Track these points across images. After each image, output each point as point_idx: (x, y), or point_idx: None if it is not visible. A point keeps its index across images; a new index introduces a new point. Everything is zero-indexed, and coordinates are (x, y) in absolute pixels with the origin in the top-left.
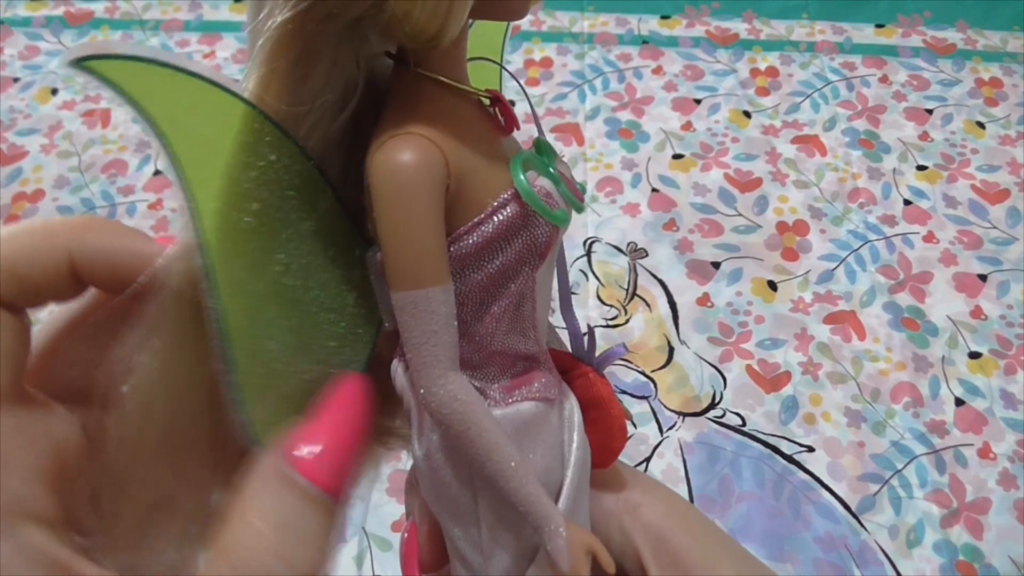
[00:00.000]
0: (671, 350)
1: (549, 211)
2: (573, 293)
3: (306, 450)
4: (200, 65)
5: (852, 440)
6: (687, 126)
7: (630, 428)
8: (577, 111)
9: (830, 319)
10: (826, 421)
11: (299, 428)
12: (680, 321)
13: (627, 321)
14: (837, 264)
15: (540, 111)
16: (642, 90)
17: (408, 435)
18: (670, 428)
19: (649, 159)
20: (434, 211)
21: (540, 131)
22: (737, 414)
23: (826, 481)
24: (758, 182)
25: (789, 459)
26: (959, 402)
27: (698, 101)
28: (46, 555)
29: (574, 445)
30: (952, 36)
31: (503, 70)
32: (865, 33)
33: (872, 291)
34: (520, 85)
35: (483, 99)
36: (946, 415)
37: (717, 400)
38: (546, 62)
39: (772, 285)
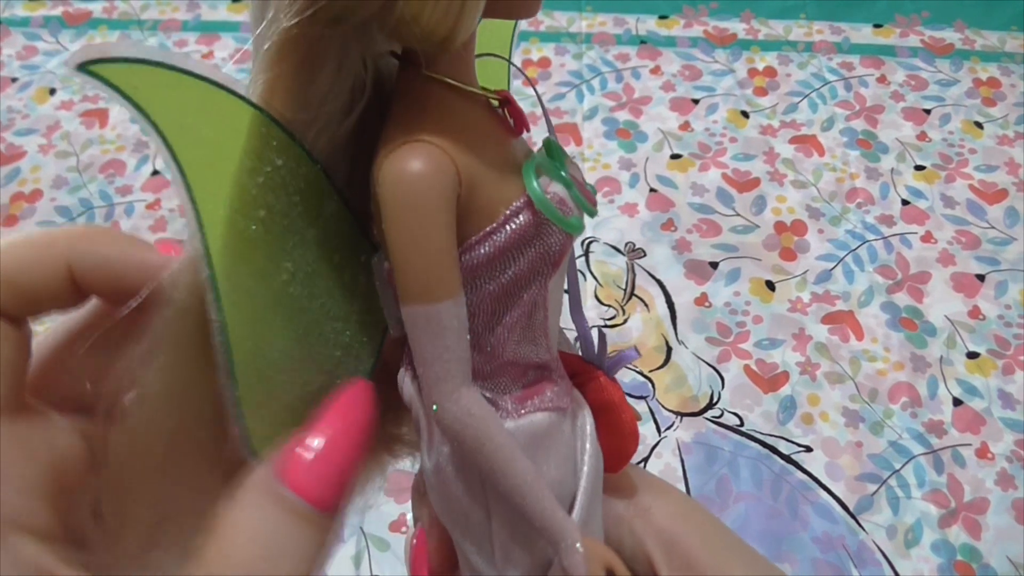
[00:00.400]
0: (669, 350)
1: (563, 219)
2: None
3: (298, 462)
4: (206, 67)
5: (850, 440)
6: (685, 126)
7: None
8: (575, 111)
9: (828, 319)
10: (824, 421)
11: (294, 438)
12: (678, 321)
13: (625, 321)
14: (835, 264)
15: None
16: (640, 90)
17: (414, 442)
18: (668, 428)
19: (647, 159)
20: (445, 222)
21: (551, 131)
22: (735, 414)
23: (824, 481)
24: (756, 182)
25: (787, 459)
26: (957, 402)
27: (696, 101)
28: (40, 570)
29: (587, 455)
30: (950, 36)
31: (511, 67)
32: (863, 33)
33: (870, 291)
34: (531, 84)
35: (492, 100)
36: (944, 415)
37: (715, 400)
38: (544, 62)
39: (770, 285)
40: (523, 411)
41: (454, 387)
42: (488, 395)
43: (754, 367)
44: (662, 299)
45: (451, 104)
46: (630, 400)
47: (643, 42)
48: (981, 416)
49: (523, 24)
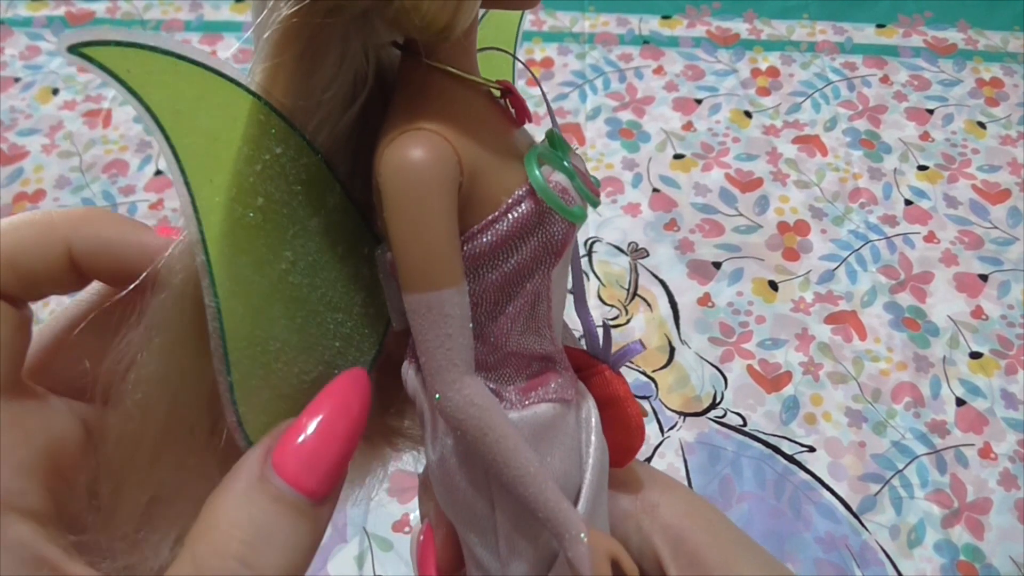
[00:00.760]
0: (672, 350)
1: (566, 208)
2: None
3: (288, 450)
4: (203, 53)
5: (853, 440)
6: (688, 126)
7: None
8: (578, 111)
9: (831, 319)
10: (827, 421)
11: (285, 425)
12: (681, 321)
13: (628, 321)
14: (838, 264)
15: (541, 111)
16: (643, 90)
17: (417, 436)
18: (671, 428)
19: (650, 159)
20: (447, 210)
21: (554, 123)
22: (738, 414)
23: (827, 481)
24: (759, 182)
25: (790, 459)
26: (960, 402)
27: (699, 101)
28: (32, 551)
29: (592, 447)
30: (953, 36)
31: (516, 61)
32: (866, 33)
33: (873, 291)
34: (533, 76)
35: (494, 91)
36: (947, 415)
37: (718, 400)
38: (547, 62)
39: (773, 285)
40: (527, 402)
41: (456, 376)
42: (492, 386)
43: (757, 367)
44: (665, 299)
45: (453, 93)
46: None
47: (646, 42)
48: (984, 416)
49: (526, 24)
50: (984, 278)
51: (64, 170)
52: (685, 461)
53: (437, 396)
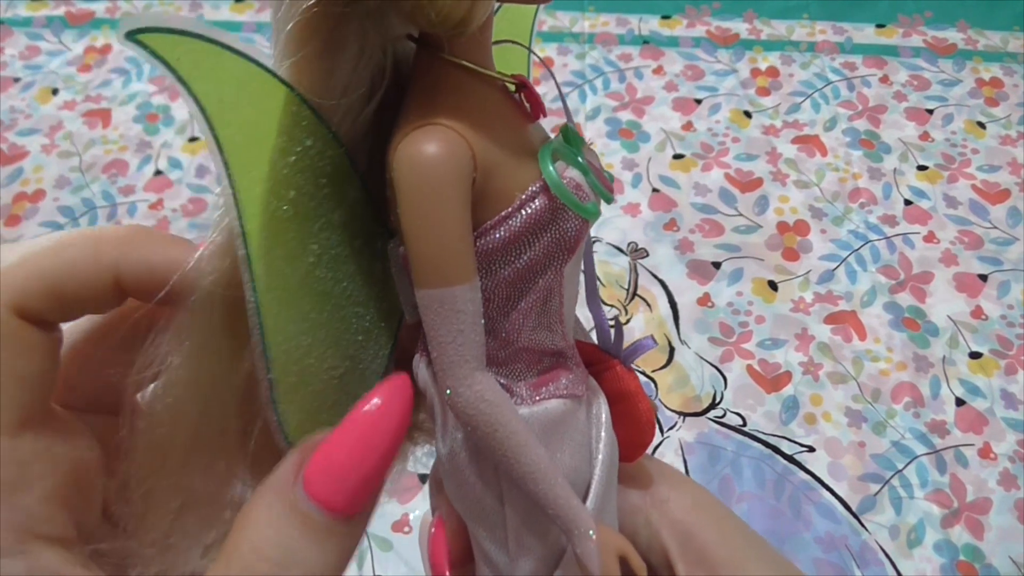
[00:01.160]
0: (672, 350)
1: (580, 204)
2: None
3: (320, 466)
4: (246, 45)
5: (853, 440)
6: (688, 126)
7: None
8: (578, 111)
9: (831, 319)
10: (827, 421)
11: (319, 439)
12: (681, 321)
13: (628, 321)
14: (838, 264)
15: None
16: (643, 90)
17: (431, 429)
18: (671, 428)
19: (650, 159)
20: (460, 206)
21: (568, 117)
22: (738, 414)
23: (827, 481)
24: (759, 182)
25: (790, 459)
26: (960, 402)
27: (699, 101)
28: (57, 573)
29: (602, 443)
30: (953, 36)
31: (531, 56)
32: (866, 33)
33: (873, 291)
34: (549, 71)
35: (509, 85)
36: (947, 415)
37: (718, 400)
38: (547, 62)
39: (773, 285)
40: (538, 398)
41: (468, 372)
42: (503, 381)
43: (757, 367)
44: (664, 299)
45: (468, 87)
46: None
47: (646, 42)
48: (984, 416)
49: None
50: (984, 278)
51: (64, 170)
52: (685, 461)
53: (448, 391)
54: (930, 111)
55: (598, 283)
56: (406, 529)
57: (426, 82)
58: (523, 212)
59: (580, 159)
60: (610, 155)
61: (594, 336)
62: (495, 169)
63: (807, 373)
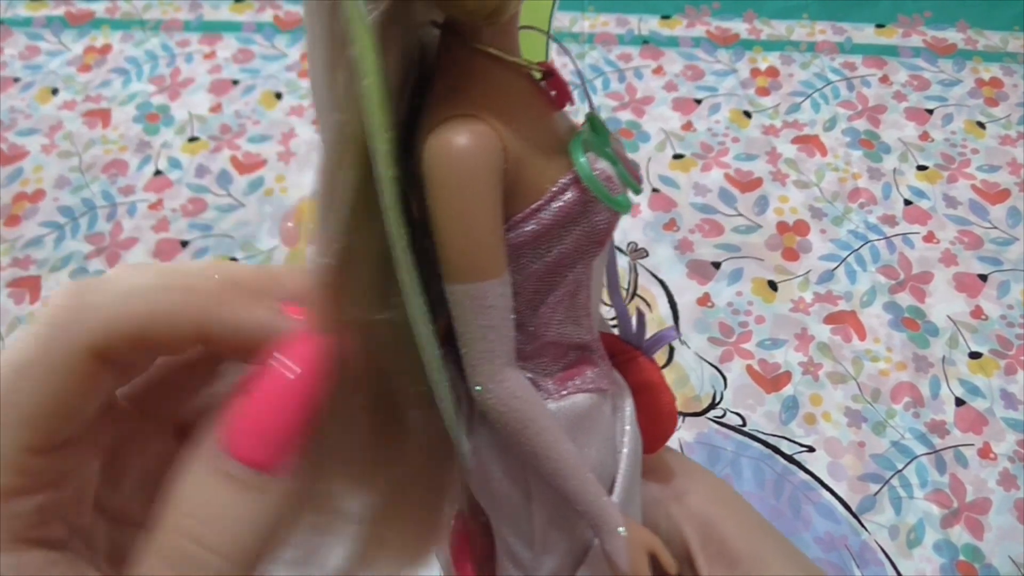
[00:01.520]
0: (671, 350)
1: (611, 197)
2: None
3: (237, 423)
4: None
5: (852, 440)
6: (687, 126)
7: None
8: (578, 111)
9: (830, 319)
10: (826, 421)
11: (236, 400)
12: (680, 321)
13: None
14: (837, 264)
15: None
16: (642, 90)
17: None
18: None
19: (649, 159)
20: (493, 199)
21: (591, 106)
22: (737, 414)
23: (826, 481)
24: (758, 182)
25: (789, 459)
26: (959, 402)
27: (698, 101)
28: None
29: (627, 436)
30: (952, 36)
31: (551, 41)
32: (865, 33)
33: (872, 291)
34: (572, 59)
35: (535, 72)
36: (946, 415)
37: (717, 400)
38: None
39: (772, 285)
40: (564, 392)
41: (498, 368)
42: (529, 375)
43: (756, 367)
44: (664, 299)
45: (495, 76)
46: None
47: (645, 42)
48: (983, 416)
49: None
50: (984, 278)
51: (64, 170)
52: None
53: (478, 388)
54: (930, 111)
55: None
56: None
57: (454, 71)
58: (553, 205)
59: (609, 150)
60: None
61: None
62: (525, 160)
63: (807, 373)
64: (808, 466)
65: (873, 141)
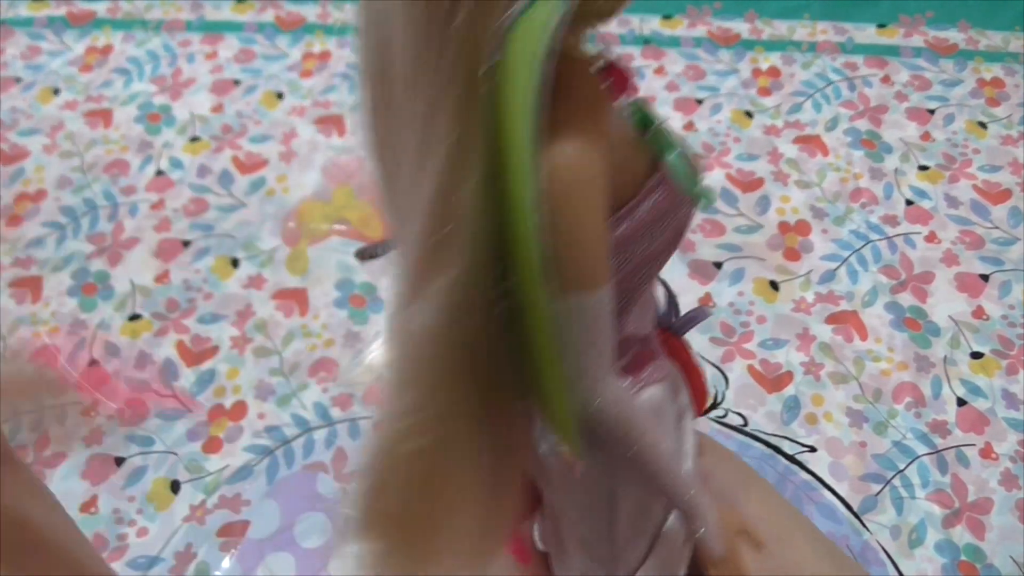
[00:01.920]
0: None
1: (702, 191)
2: None
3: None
4: None
5: (854, 440)
6: (689, 126)
7: None
8: None
9: (832, 319)
10: (828, 421)
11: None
12: None
13: None
14: (839, 264)
15: None
16: (644, 90)
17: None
18: None
19: None
20: (602, 208)
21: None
22: (739, 414)
23: (828, 481)
24: (760, 182)
25: (791, 459)
26: (961, 402)
27: (700, 101)
28: None
29: (686, 420)
30: (954, 36)
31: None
32: (867, 33)
33: (874, 291)
34: (601, 45)
35: (599, 65)
36: (948, 415)
37: (719, 400)
38: None
39: (774, 285)
40: (639, 386)
41: (603, 375)
42: None
43: (758, 367)
44: (665, 299)
45: (584, 79)
46: None
47: (647, 42)
48: (985, 416)
49: None
50: (985, 278)
51: (65, 170)
52: None
53: (589, 395)
54: (931, 111)
55: None
56: None
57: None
58: (646, 203)
59: (675, 141)
60: None
61: None
62: (617, 162)
63: (808, 373)
64: (810, 466)
65: (875, 141)
